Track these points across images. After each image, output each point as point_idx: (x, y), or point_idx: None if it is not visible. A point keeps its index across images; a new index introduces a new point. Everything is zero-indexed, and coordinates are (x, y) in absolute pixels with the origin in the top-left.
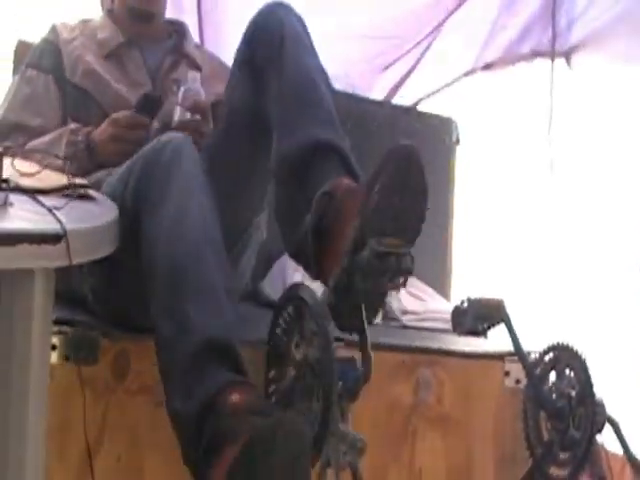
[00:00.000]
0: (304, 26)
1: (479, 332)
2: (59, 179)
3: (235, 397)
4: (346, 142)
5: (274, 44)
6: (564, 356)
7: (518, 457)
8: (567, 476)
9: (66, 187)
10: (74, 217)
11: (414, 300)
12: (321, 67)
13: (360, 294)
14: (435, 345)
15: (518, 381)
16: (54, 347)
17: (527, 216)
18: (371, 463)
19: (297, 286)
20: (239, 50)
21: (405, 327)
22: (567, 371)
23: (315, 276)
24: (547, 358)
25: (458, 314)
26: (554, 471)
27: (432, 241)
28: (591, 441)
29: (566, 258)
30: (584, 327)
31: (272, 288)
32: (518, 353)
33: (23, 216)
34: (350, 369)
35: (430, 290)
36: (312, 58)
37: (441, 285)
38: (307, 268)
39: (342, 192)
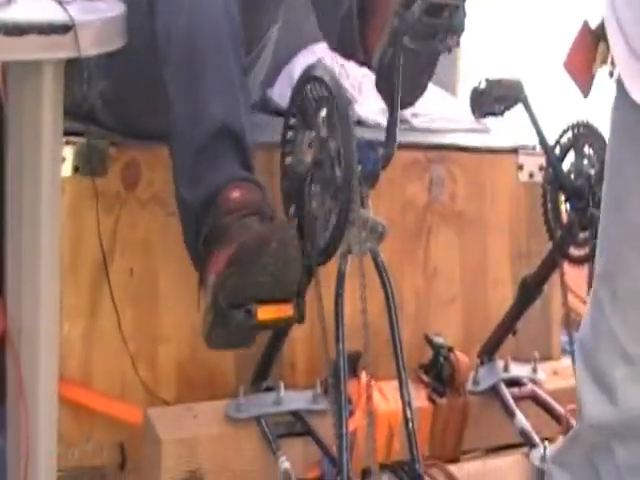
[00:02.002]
0: None
1: (497, 113)
2: None
3: (236, 193)
4: None
5: None
6: (583, 134)
7: (533, 252)
8: (588, 254)
9: None
10: (82, 10)
11: (423, 101)
12: None
13: (409, 57)
14: (447, 142)
15: (532, 175)
16: (63, 159)
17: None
18: (386, 263)
19: (314, 66)
20: None
21: (416, 129)
22: (586, 149)
23: (361, 58)
24: (566, 137)
25: (476, 95)
26: (574, 251)
27: None
28: None
29: None
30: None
31: (280, 95)
32: (537, 132)
33: (29, 8)
34: (369, 152)
35: (437, 89)
36: None
37: (449, 82)
38: (351, 55)
39: None
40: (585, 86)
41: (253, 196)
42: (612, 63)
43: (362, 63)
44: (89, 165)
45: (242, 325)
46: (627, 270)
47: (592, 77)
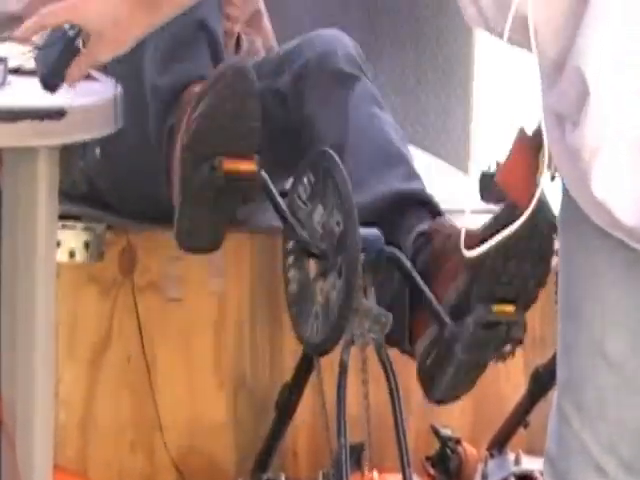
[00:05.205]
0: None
1: None
2: None
3: (197, 89)
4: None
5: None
6: None
7: (547, 339)
8: None
9: None
10: (76, 93)
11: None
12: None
13: (457, 366)
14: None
15: None
16: (58, 244)
17: None
18: (389, 351)
19: (317, 153)
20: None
21: None
22: None
23: (406, 348)
24: None
25: (485, 180)
26: None
27: (449, 108)
28: None
29: None
30: None
31: None
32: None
33: (23, 93)
34: (373, 240)
35: (445, 166)
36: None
37: (459, 157)
38: (395, 344)
39: (442, 238)
40: (525, 200)
41: None
42: (556, 168)
43: (404, 352)
44: (85, 250)
45: (210, 179)
46: (590, 381)
47: (534, 189)
